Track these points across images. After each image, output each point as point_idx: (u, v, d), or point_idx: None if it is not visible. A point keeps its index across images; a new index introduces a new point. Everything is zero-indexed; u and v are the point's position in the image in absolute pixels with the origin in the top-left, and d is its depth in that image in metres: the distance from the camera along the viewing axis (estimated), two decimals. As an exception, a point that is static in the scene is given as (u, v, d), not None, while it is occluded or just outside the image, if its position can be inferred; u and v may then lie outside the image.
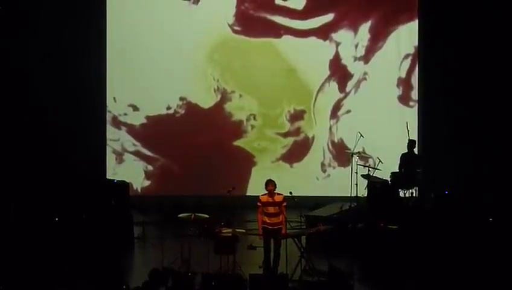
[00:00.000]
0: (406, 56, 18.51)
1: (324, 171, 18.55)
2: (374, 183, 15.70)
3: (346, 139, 18.22)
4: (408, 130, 16.60)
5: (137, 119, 18.50)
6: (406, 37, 18.50)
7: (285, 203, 13.08)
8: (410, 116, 18.15)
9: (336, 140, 18.54)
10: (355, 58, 18.52)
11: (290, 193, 13.16)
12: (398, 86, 18.50)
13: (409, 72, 18.52)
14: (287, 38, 18.46)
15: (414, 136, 17.18)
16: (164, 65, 18.40)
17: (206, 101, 18.57)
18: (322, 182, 18.47)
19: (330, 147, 18.60)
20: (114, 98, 18.41)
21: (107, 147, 18.46)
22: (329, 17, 18.50)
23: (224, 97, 18.53)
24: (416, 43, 18.48)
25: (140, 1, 18.51)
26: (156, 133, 18.53)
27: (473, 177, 17.26)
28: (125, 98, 18.46)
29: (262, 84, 18.57)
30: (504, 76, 17.68)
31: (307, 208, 15.60)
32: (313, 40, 18.50)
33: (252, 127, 18.60)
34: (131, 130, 18.51)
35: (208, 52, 18.50)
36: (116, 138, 18.49)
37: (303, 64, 18.56)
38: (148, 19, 18.41)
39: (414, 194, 15.90)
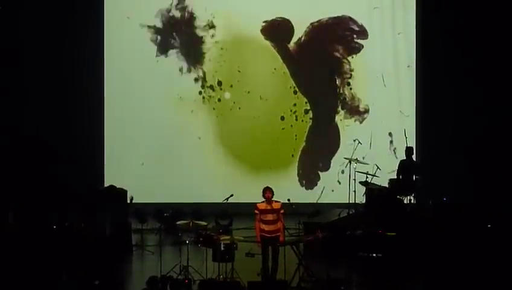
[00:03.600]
0: (404, 61, 18.55)
1: (323, 177, 18.57)
2: (372, 190, 15.70)
3: (344, 145, 18.20)
4: (406, 137, 16.61)
5: (136, 125, 18.51)
6: (404, 43, 18.53)
7: (282, 211, 13.05)
8: (408, 123, 18.17)
9: (334, 147, 18.55)
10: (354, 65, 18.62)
11: (288, 200, 13.15)
12: (396, 93, 18.53)
13: (408, 78, 18.54)
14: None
15: (412, 143, 17.20)
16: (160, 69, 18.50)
17: (201, 108, 18.63)
18: (320, 189, 18.45)
19: (329, 153, 18.63)
20: (112, 102, 18.43)
21: (105, 153, 18.43)
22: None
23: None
24: (414, 49, 18.50)
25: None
26: (155, 139, 18.54)
27: (471, 184, 17.26)
28: (124, 102, 18.47)
29: (260, 88, 18.62)
30: (503, 82, 17.68)
31: (305, 215, 15.58)
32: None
33: (251, 133, 18.64)
34: (130, 136, 18.50)
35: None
36: (114, 145, 18.46)
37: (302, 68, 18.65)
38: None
39: (412, 201, 15.90)
